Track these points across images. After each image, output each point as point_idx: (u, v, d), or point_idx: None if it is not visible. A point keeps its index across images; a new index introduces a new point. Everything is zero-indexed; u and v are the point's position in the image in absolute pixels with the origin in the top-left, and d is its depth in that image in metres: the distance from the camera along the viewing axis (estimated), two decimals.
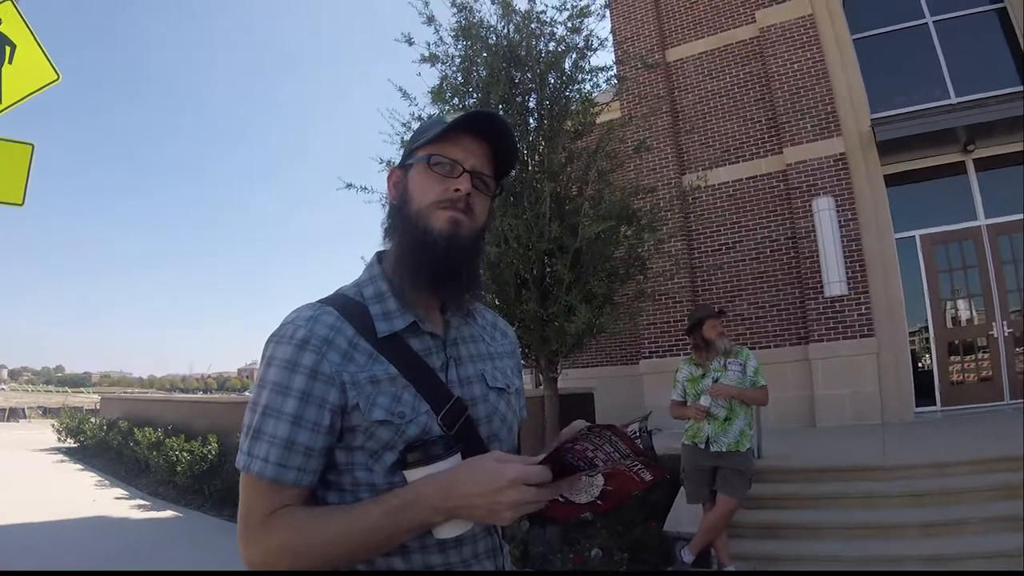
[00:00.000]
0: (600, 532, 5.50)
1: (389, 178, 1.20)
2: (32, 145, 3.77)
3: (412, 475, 1.00)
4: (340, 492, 1.05)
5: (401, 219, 1.14)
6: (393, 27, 6.78)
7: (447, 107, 6.22)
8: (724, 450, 4.56)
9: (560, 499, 1.05)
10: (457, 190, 1.10)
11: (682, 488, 5.19)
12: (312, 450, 1.01)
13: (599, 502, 1.07)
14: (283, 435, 1.00)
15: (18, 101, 3.74)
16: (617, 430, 0.93)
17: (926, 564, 4.62)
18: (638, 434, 0.99)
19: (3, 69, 3.70)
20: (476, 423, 1.12)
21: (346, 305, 1.10)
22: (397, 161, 1.32)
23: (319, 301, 1.11)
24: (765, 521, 5.51)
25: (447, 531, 0.99)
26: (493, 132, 1.15)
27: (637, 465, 0.98)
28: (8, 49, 3.71)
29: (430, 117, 6.26)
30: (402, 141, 6.12)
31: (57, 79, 3.84)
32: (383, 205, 1.24)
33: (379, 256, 1.20)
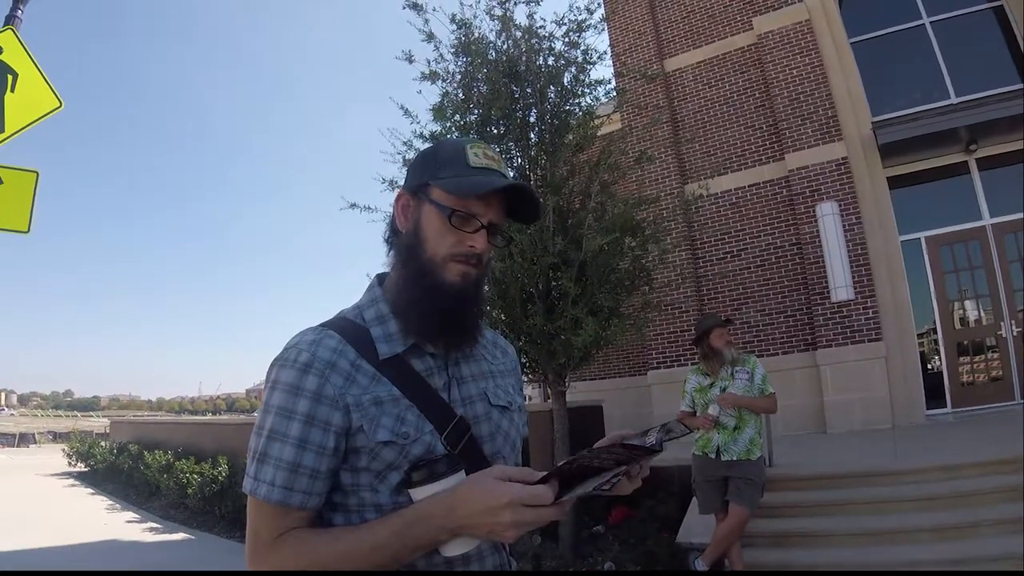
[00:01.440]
0: (612, 545, 5.47)
1: (397, 200, 1.19)
2: (36, 172, 3.80)
3: (417, 494, 1.00)
4: (346, 513, 1.05)
5: (411, 257, 1.13)
6: (393, 46, 6.82)
7: (449, 124, 6.24)
8: (735, 459, 4.54)
9: None
10: (472, 246, 1.10)
11: (694, 499, 5.16)
12: (318, 472, 1.01)
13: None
14: (288, 458, 1.00)
15: (21, 129, 3.77)
16: (613, 446, 0.94)
17: (938, 567, 4.58)
18: (657, 446, 0.98)
19: (6, 97, 3.73)
20: (479, 441, 1.12)
21: (348, 328, 1.10)
22: (400, 179, 1.31)
23: (321, 324, 1.12)
24: (778, 530, 5.47)
25: (453, 549, 0.99)
26: (516, 193, 1.15)
27: (637, 463, 0.99)
28: (10, 78, 3.75)
29: (442, 136, 6.20)
30: (404, 160, 6.14)
31: (60, 106, 3.87)
32: (387, 223, 1.24)
33: (380, 278, 1.20)
